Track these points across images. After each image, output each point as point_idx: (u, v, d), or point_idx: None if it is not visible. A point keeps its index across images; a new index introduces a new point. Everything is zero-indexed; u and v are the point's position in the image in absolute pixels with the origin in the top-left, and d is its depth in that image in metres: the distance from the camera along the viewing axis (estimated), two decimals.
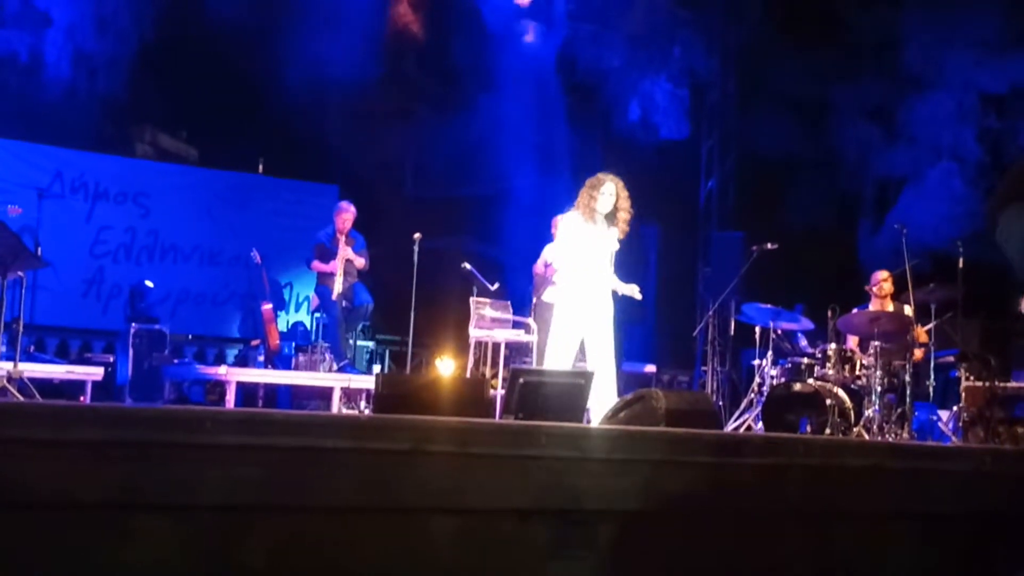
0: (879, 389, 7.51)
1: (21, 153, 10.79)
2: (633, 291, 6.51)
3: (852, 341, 8.40)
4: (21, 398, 5.45)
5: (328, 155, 12.04)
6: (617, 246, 6.43)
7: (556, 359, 6.26)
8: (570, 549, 3.05)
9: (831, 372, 7.73)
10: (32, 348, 9.23)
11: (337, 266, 9.06)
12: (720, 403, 10.52)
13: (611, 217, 6.39)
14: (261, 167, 12.38)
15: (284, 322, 11.17)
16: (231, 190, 11.96)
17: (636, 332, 12.92)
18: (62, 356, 10.22)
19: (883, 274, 8.60)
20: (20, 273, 6.13)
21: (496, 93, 11.82)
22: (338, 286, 9.05)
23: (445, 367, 9.87)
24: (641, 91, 12.48)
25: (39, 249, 6.29)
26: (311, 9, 11.07)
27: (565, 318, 6.32)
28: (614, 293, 6.43)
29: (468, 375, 8.91)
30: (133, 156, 12.22)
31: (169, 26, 11.02)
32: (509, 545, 2.99)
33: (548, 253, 9.09)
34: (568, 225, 6.42)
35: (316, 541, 2.77)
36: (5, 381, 5.55)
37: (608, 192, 6.36)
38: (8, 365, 5.91)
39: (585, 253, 6.35)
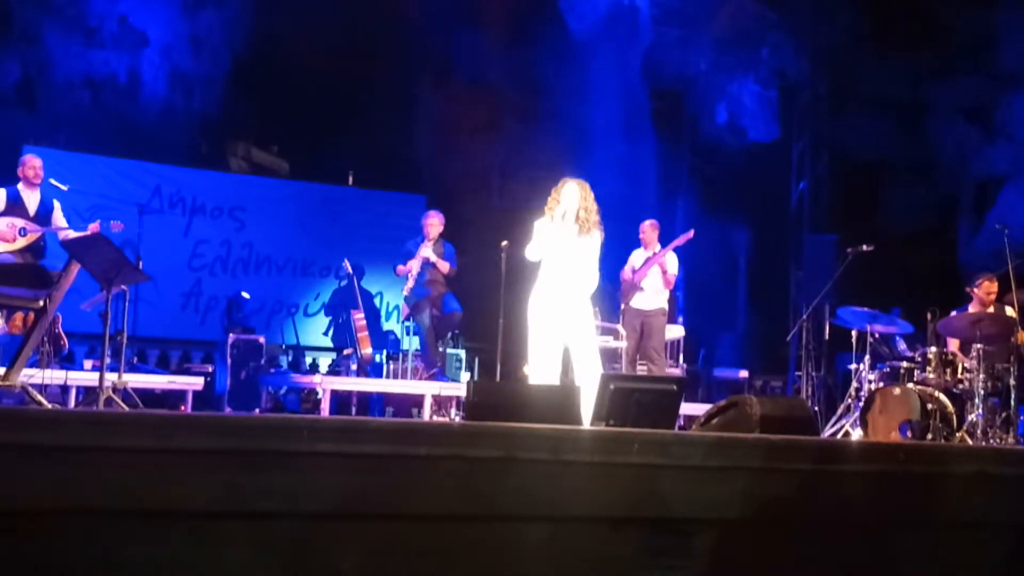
0: (982, 393, 7.28)
1: (122, 170, 11.15)
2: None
3: (953, 344, 8.16)
4: (126, 408, 5.61)
5: (416, 166, 12.18)
6: (592, 250, 6.16)
7: (539, 370, 5.99)
8: (664, 558, 3.02)
9: (932, 376, 7.52)
10: (135, 359, 9.51)
11: (414, 266, 9.13)
12: (815, 409, 10.31)
13: (586, 222, 6.12)
14: (351, 179, 12.59)
15: (375, 331, 11.31)
16: (322, 202, 12.18)
17: (726, 338, 12.77)
18: (163, 367, 10.51)
19: (991, 283, 8.23)
20: (124, 287, 6.32)
21: (581, 101, 11.81)
22: (410, 281, 9.11)
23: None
24: (728, 94, 12.35)
25: (140, 263, 6.47)
26: (398, 24, 11.21)
27: (540, 326, 6.06)
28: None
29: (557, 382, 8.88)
30: (228, 171, 12.55)
31: (260, 43, 11.29)
32: (602, 553, 2.97)
33: (635, 259, 9.04)
34: (537, 230, 6.14)
35: (411, 548, 2.79)
36: (111, 392, 5.72)
37: (569, 193, 6.13)
38: (113, 376, 6.10)
39: (555, 257, 6.09)
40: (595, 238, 6.19)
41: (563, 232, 6.10)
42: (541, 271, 6.16)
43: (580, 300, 6.13)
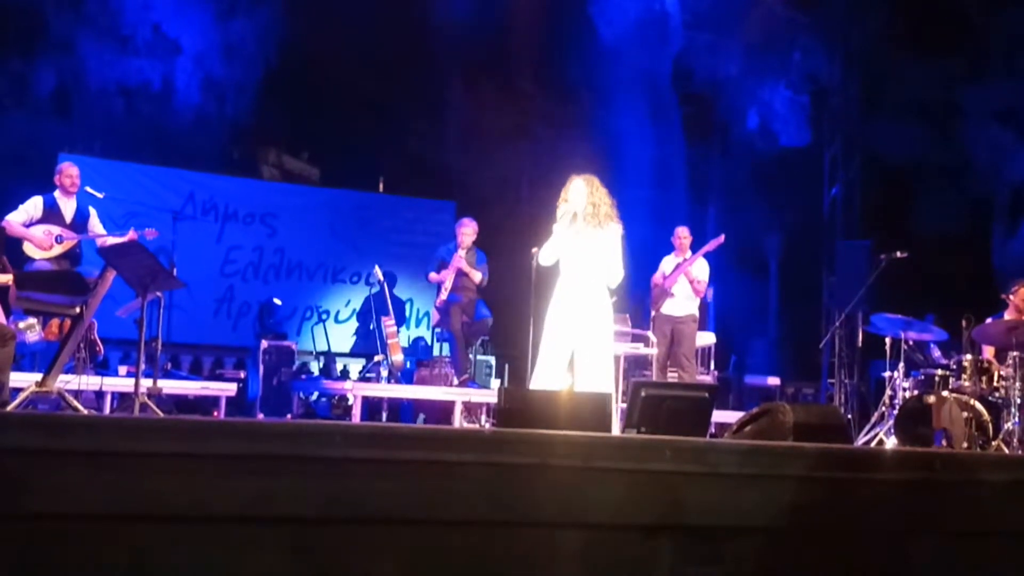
0: (1019, 401, 7.19)
1: (156, 177, 11.27)
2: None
3: (988, 351, 8.06)
4: (161, 414, 5.66)
5: (446, 172, 12.22)
6: (609, 244, 5.96)
7: (542, 372, 5.82)
8: (696, 566, 3.00)
9: (967, 384, 7.44)
10: (168, 365, 9.60)
11: (447, 275, 9.14)
12: (848, 416, 10.23)
13: (595, 217, 5.96)
14: (381, 186, 12.65)
15: (405, 337, 11.35)
16: (353, 208, 12.25)
17: (758, 344, 12.70)
18: (196, 372, 10.60)
19: None
20: (158, 293, 6.39)
21: (612, 107, 11.80)
22: (443, 293, 9.13)
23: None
24: (760, 99, 12.31)
25: (175, 269, 6.52)
26: (428, 31, 11.26)
27: (549, 327, 5.89)
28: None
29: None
30: (260, 178, 12.65)
31: (291, 51, 11.38)
32: (634, 561, 2.96)
33: (666, 265, 9.01)
34: (554, 229, 6.00)
35: (443, 554, 2.80)
36: (146, 397, 5.78)
37: (575, 190, 5.99)
38: (148, 382, 6.15)
39: (569, 258, 5.95)
40: (611, 231, 5.99)
41: (573, 231, 5.94)
42: (560, 273, 6.03)
43: (595, 300, 5.91)
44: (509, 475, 2.86)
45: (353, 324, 11.97)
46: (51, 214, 7.60)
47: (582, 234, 5.95)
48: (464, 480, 2.81)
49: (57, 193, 7.70)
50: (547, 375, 5.81)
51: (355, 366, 11.84)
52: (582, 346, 5.84)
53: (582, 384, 5.77)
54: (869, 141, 12.11)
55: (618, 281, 6.09)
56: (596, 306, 5.92)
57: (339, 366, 11.77)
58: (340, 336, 11.97)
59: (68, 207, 7.70)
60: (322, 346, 11.66)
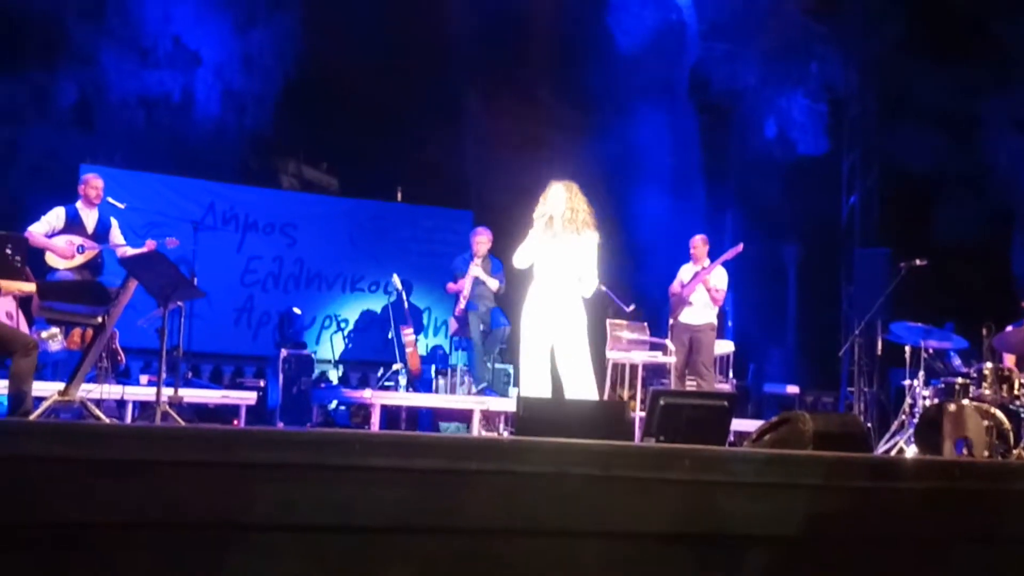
0: None
1: (177, 187, 11.33)
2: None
3: (1009, 359, 8.02)
4: (182, 422, 5.70)
5: (464, 181, 12.24)
6: (585, 251, 5.93)
7: (527, 379, 5.83)
8: (716, 574, 3.00)
9: (988, 392, 7.40)
10: (189, 374, 9.64)
11: (465, 284, 9.16)
12: (868, 425, 10.17)
13: (573, 223, 5.94)
14: (399, 195, 12.69)
15: (424, 346, 11.37)
16: (371, 218, 12.29)
17: (777, 353, 12.65)
18: (216, 381, 10.64)
19: None
20: (179, 303, 6.43)
21: (629, 116, 11.81)
22: (461, 302, 9.15)
23: None
24: (777, 108, 12.28)
25: (195, 279, 6.57)
26: (445, 40, 11.30)
27: (526, 331, 5.93)
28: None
29: (605, 397, 8.88)
30: (279, 188, 12.70)
31: (310, 62, 11.44)
32: (653, 569, 2.96)
33: (684, 273, 9.01)
34: (530, 234, 6.01)
35: (462, 562, 2.80)
36: (167, 406, 5.82)
37: (553, 195, 5.99)
38: (169, 391, 6.20)
39: (542, 262, 5.95)
40: (588, 239, 5.96)
41: (550, 235, 5.93)
42: (533, 277, 6.02)
43: (569, 304, 5.89)
44: (527, 484, 2.86)
45: (371, 333, 12.00)
46: (73, 224, 7.67)
47: (558, 238, 5.94)
48: (483, 489, 2.82)
49: (79, 204, 7.77)
50: (534, 382, 5.80)
51: (374, 375, 11.87)
52: (559, 351, 5.84)
53: (566, 387, 5.77)
54: (887, 149, 12.07)
55: (591, 291, 6.04)
56: (570, 310, 5.88)
57: (358, 375, 11.80)
58: (358, 345, 12.00)
59: (90, 218, 7.77)
60: (341, 355, 11.70)
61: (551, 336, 5.88)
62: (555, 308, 5.88)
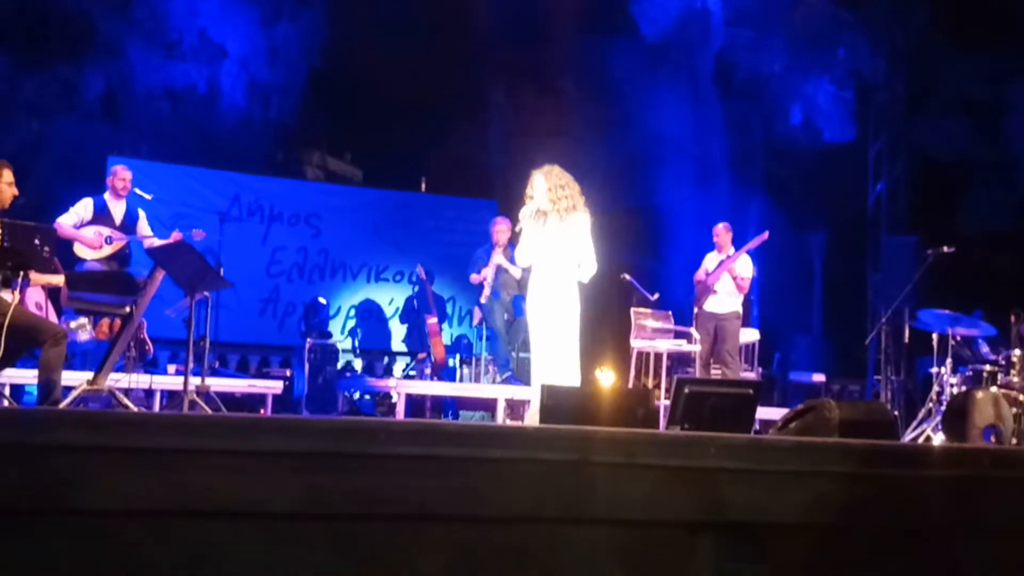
0: None
1: (203, 179, 11.41)
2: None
3: None
4: (209, 411, 5.74)
5: (487, 172, 12.25)
6: (575, 234, 5.85)
7: (540, 371, 5.82)
8: (741, 563, 2.99)
9: (1016, 379, 7.34)
10: (216, 364, 9.71)
11: (488, 273, 9.16)
12: (895, 413, 10.11)
13: (556, 210, 5.87)
14: (423, 185, 12.71)
15: (448, 335, 11.40)
16: (395, 209, 12.32)
17: (802, 341, 12.59)
18: (242, 371, 10.72)
19: None
20: (206, 293, 6.47)
21: (654, 105, 11.76)
22: (486, 289, 9.16)
23: (606, 378, 9.85)
24: (803, 95, 12.20)
25: (221, 270, 6.61)
26: (469, 31, 11.29)
27: (530, 323, 5.97)
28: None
29: (630, 386, 8.88)
30: (304, 179, 12.76)
31: (334, 54, 11.47)
32: (678, 559, 2.95)
33: (708, 262, 8.97)
34: (523, 231, 5.99)
35: (485, 551, 2.81)
36: (194, 395, 5.86)
37: (536, 185, 5.95)
38: (196, 380, 6.24)
39: (539, 252, 5.92)
40: (576, 220, 5.88)
41: (540, 226, 5.92)
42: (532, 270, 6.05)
43: (559, 293, 5.84)
44: (552, 471, 2.86)
45: (396, 323, 12.05)
46: (101, 216, 7.73)
47: (547, 227, 5.91)
48: (507, 476, 2.82)
49: (107, 195, 7.83)
50: (545, 372, 5.78)
51: (399, 364, 11.93)
52: (535, 331, 5.86)
53: (535, 372, 5.80)
54: (914, 136, 11.97)
55: (591, 274, 5.97)
56: (559, 298, 5.84)
57: (382, 364, 11.86)
58: (384, 335, 12.05)
59: (118, 209, 7.83)
60: (366, 344, 11.74)
61: (539, 324, 5.89)
62: (545, 297, 5.88)
